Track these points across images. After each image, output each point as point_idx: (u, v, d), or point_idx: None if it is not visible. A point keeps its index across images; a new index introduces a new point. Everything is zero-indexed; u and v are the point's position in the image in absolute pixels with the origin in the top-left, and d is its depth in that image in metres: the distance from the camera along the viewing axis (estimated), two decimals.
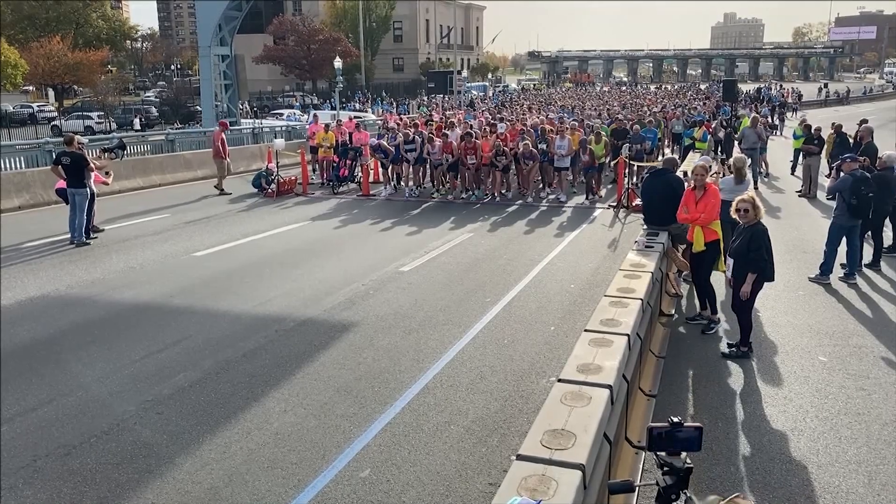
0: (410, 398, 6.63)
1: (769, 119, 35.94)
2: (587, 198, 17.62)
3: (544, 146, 17.80)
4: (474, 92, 64.82)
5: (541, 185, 18.78)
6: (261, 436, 5.94)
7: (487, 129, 18.91)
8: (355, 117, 35.00)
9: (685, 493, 2.40)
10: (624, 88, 76.21)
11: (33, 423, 6.15)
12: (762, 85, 74.63)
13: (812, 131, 19.21)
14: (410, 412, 6.36)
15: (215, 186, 18.95)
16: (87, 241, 12.88)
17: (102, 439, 5.86)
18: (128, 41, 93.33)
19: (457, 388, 6.85)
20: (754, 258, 7.33)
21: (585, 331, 5.26)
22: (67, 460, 5.54)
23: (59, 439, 5.86)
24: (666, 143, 25.39)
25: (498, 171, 17.67)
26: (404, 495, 5.09)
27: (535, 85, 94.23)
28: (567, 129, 18.49)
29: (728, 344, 7.86)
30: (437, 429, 6.05)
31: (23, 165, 18.40)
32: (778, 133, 33.77)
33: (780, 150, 27.88)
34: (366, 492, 5.13)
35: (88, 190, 13.12)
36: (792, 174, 21.74)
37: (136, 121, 45.70)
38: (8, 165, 18.21)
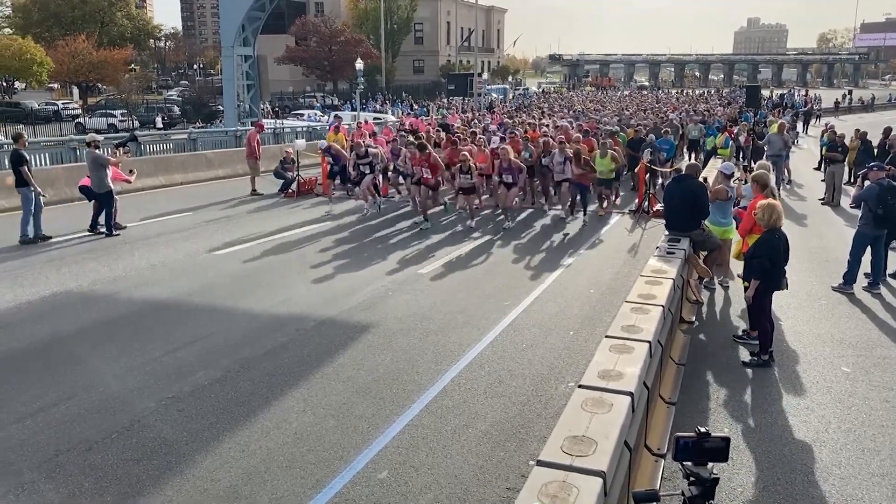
0: (428, 400, 6.63)
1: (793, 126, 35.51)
2: (567, 215, 15.54)
3: (549, 159, 15.91)
4: (494, 94, 64.80)
5: (543, 199, 17.34)
6: (280, 435, 5.97)
7: (484, 139, 17.93)
8: (375, 118, 35.18)
9: None
10: (645, 93, 75.83)
11: (55, 418, 6.22)
12: (785, 91, 73.92)
13: (836, 138, 19.06)
14: (428, 414, 6.36)
15: (253, 190, 18.91)
16: (47, 237, 12.89)
17: (123, 435, 5.92)
18: (151, 40, 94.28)
19: (475, 392, 6.84)
20: (755, 264, 7.40)
21: (606, 337, 5.23)
22: (89, 456, 5.59)
23: (81, 435, 5.92)
24: (683, 149, 25.12)
25: (466, 192, 14.94)
26: (422, 498, 5.09)
27: (554, 88, 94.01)
28: (565, 141, 16.52)
29: (749, 352, 7.79)
30: (454, 432, 6.05)
31: (47, 162, 18.67)
32: (795, 142, 33.24)
33: (802, 156, 27.65)
34: (383, 493, 5.14)
35: (96, 188, 13.32)
36: (817, 169, 21.71)
37: (159, 119, 46.18)
38: (33, 162, 18.43)
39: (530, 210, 16.86)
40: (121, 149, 15.48)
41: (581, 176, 15.04)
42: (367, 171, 16.03)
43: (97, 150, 13.66)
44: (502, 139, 18.93)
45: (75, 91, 68.82)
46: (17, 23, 72.02)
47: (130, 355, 7.65)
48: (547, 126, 22.32)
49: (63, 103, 55.93)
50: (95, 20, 72.38)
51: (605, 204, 16.72)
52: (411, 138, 17.46)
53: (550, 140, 16.62)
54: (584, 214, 15.45)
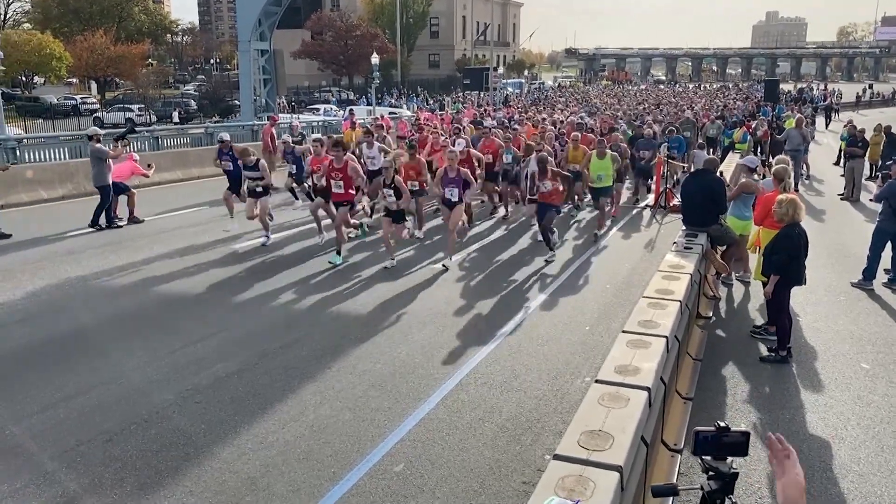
0: (444, 394, 6.65)
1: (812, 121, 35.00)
2: (549, 250, 11.49)
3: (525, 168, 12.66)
4: (510, 89, 64.64)
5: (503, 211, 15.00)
6: (297, 427, 6.00)
7: (448, 140, 14.91)
8: (390, 113, 35.17)
9: (730, 499, 2.38)
10: (662, 87, 75.36)
11: (75, 409, 6.29)
12: (804, 85, 73.14)
13: (856, 133, 18.88)
14: (444, 408, 6.37)
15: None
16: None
17: (142, 426, 5.98)
18: (168, 35, 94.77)
19: (491, 386, 6.85)
20: (774, 260, 7.35)
21: (623, 332, 5.22)
22: (109, 446, 5.65)
23: (101, 426, 5.98)
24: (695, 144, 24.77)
25: (387, 215, 10.93)
26: (438, 490, 5.11)
27: (570, 82, 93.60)
28: (534, 142, 13.88)
29: (767, 348, 7.73)
30: (470, 426, 6.06)
31: (66, 156, 18.87)
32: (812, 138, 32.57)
33: (822, 151, 27.38)
34: (400, 486, 5.16)
35: (95, 181, 13.58)
36: (836, 164, 21.49)
37: (176, 114, 46.41)
38: (52, 156, 18.66)
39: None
40: (120, 142, 15.47)
41: (549, 195, 11.08)
42: (258, 189, 12.01)
43: (98, 144, 13.76)
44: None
45: (93, 86, 69.29)
46: (36, 18, 72.66)
47: (148, 348, 7.72)
48: (560, 122, 21.62)
49: (81, 98, 56.23)
50: (113, 15, 72.87)
51: (602, 219, 13.43)
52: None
53: (530, 144, 13.84)
54: (551, 248, 11.49)
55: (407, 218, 11.51)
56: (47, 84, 68.01)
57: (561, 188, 11.20)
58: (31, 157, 18.50)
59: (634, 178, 17.28)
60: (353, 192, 11.23)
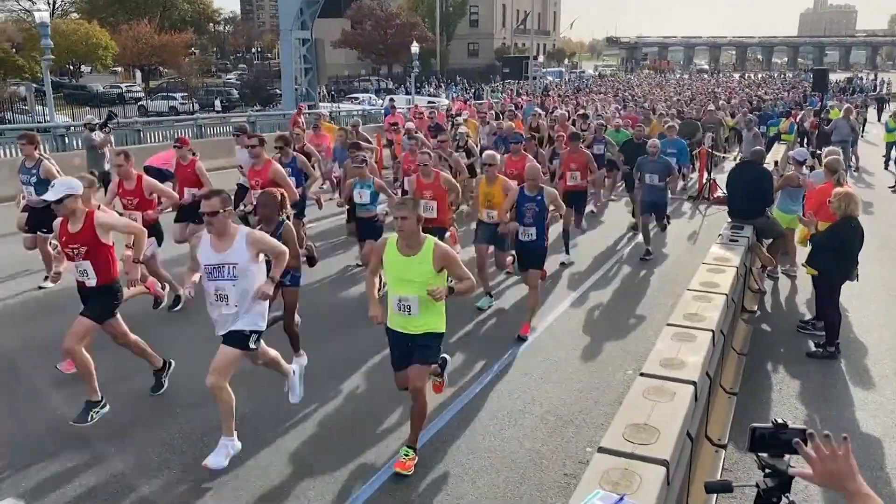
0: (484, 384, 6.64)
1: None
2: None
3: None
4: (549, 78, 64.16)
5: None
6: (337, 416, 6.05)
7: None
8: (429, 102, 35.13)
9: (787, 497, 2.33)
10: (705, 77, 74.09)
11: (123, 392, 6.40)
12: (851, 75, 71.13)
13: None
14: (484, 399, 6.37)
15: None
16: None
17: (189, 410, 6.08)
18: (211, 24, 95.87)
19: (531, 377, 6.82)
20: (824, 253, 7.20)
21: (668, 325, 5.15)
22: (155, 430, 5.76)
23: (148, 409, 6.10)
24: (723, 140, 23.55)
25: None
26: (478, 480, 5.11)
27: (611, 71, 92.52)
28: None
29: (815, 343, 7.56)
30: (510, 417, 6.05)
31: (112, 144, 19.15)
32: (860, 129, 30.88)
33: (871, 143, 26.64)
34: (440, 474, 5.17)
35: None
36: (885, 169, 20.75)
37: (218, 102, 46.97)
38: None
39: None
40: (102, 129, 15.52)
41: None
42: None
43: (92, 133, 13.95)
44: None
45: (138, 74, 70.53)
46: (83, 8, 74.09)
47: (195, 331, 7.83)
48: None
49: (126, 86, 57.25)
50: (157, 4, 73.95)
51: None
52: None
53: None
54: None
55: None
56: (94, 73, 69.41)
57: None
58: (79, 144, 18.85)
59: (644, 211, 11.11)
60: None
